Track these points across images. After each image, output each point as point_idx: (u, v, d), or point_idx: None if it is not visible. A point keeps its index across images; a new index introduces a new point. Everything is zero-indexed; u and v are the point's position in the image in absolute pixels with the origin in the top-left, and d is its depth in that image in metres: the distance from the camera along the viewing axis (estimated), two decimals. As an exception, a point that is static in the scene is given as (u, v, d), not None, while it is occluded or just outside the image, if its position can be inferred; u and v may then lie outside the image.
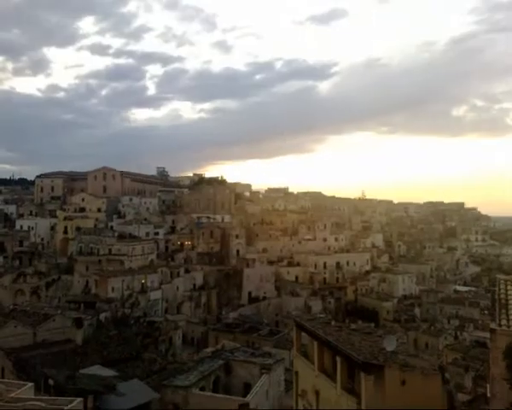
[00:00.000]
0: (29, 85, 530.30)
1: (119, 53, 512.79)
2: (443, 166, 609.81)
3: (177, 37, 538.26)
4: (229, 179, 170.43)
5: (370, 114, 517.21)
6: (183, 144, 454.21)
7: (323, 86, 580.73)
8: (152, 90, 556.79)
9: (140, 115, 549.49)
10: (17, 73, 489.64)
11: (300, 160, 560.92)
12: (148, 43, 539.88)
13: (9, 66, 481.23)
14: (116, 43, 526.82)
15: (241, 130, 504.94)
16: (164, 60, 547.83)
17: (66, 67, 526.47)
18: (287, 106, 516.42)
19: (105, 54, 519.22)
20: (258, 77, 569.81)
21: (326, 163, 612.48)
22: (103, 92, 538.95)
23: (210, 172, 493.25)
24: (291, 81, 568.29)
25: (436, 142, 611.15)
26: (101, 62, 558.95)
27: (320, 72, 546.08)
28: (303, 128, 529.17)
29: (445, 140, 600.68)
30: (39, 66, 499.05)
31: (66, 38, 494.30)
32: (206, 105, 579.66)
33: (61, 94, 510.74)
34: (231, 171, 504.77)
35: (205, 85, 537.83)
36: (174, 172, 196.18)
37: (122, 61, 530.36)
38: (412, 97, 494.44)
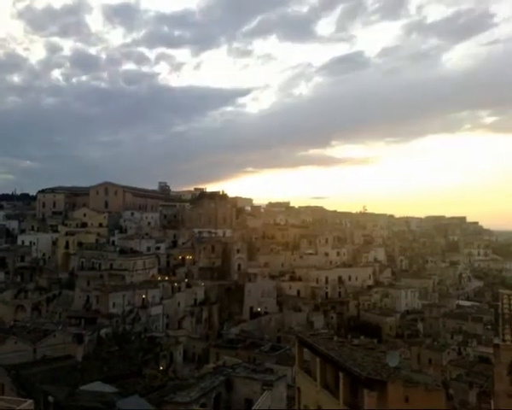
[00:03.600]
0: (56, 52, 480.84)
1: None
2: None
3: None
4: (231, 194, 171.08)
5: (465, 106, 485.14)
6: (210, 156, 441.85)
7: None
8: (214, 81, 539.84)
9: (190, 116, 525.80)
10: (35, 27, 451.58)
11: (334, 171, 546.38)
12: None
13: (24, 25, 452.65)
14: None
15: (289, 129, 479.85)
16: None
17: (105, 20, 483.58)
18: (358, 98, 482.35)
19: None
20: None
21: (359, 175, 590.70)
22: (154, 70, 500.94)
23: (216, 185, 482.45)
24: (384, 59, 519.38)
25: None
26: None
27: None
28: (361, 130, 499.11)
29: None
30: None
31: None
32: (270, 98, 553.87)
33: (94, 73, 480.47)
34: (248, 183, 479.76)
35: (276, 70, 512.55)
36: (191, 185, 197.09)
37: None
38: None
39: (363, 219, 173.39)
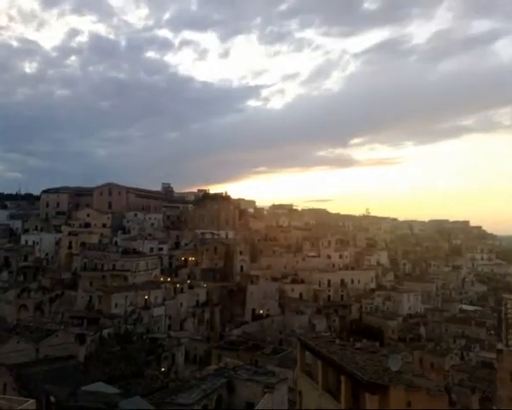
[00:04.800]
0: (74, 37, 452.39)
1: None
2: None
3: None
4: (234, 195, 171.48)
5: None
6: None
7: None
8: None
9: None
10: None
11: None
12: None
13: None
14: None
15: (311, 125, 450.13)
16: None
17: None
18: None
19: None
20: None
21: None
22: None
23: (225, 186, 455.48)
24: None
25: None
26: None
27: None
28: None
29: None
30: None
31: None
32: (297, 90, 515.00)
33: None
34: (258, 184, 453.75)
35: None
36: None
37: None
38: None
39: (366, 222, 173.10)
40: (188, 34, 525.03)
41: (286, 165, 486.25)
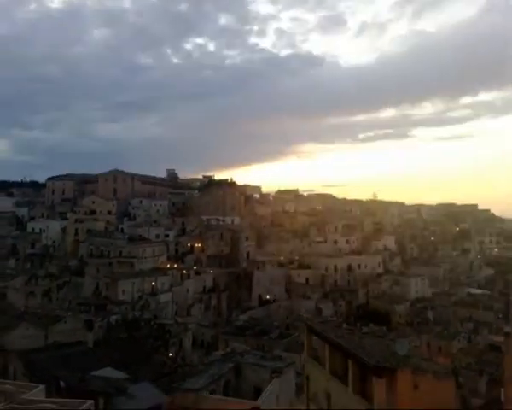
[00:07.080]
0: None
1: None
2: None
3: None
4: (240, 181, 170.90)
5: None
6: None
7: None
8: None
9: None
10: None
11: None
12: None
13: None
14: None
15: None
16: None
17: None
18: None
19: None
20: None
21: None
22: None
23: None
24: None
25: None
26: None
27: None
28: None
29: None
30: None
31: None
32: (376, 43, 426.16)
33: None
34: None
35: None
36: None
37: None
38: None
39: (373, 207, 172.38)
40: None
41: (335, 140, 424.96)
